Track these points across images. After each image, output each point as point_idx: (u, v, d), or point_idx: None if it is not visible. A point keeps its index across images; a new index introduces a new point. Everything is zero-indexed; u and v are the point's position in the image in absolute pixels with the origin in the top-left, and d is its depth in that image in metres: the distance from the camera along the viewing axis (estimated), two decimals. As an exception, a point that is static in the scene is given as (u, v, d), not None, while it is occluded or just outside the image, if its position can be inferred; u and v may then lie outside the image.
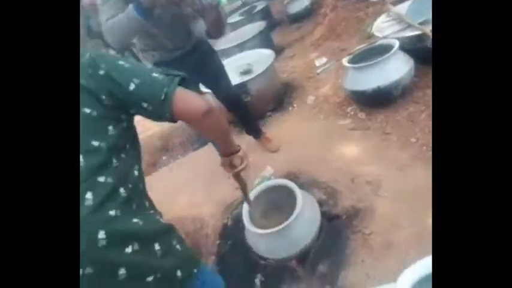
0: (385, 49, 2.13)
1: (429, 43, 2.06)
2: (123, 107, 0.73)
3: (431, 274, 0.53)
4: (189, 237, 1.95)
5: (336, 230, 1.61)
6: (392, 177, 1.73)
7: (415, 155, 1.79)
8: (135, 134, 0.82)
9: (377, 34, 2.34)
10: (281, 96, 2.92)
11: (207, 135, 1.53)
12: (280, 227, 1.41)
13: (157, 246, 0.70)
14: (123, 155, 0.73)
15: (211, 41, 2.02)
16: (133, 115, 0.79)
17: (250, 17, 4.63)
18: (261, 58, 2.91)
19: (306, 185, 1.88)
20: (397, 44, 2.05)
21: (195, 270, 0.76)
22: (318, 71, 2.63)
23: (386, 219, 1.55)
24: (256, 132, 2.36)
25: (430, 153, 1.73)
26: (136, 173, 0.77)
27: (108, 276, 0.63)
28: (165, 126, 3.12)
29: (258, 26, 3.94)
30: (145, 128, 3.16)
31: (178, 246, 0.76)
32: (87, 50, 0.73)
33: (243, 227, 1.60)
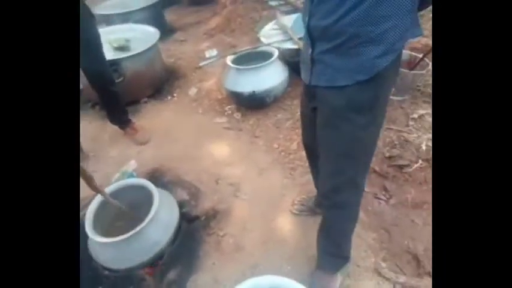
0: (266, 56, 2.21)
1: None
2: None
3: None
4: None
5: (194, 232, 1.57)
6: (253, 180, 1.80)
7: (276, 159, 1.91)
8: None
9: (263, 39, 2.41)
10: (162, 83, 2.70)
11: None
12: (129, 234, 1.28)
13: None
14: None
15: (90, 3, 1.73)
16: None
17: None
18: (143, 35, 2.63)
19: (171, 184, 1.79)
20: (276, 53, 2.15)
21: None
22: (205, 62, 2.54)
23: (241, 221, 1.60)
24: (122, 122, 2.12)
25: (288, 158, 1.88)
26: None
27: None
28: None
29: (151, -3, 3.56)
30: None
31: None
32: None
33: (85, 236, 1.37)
